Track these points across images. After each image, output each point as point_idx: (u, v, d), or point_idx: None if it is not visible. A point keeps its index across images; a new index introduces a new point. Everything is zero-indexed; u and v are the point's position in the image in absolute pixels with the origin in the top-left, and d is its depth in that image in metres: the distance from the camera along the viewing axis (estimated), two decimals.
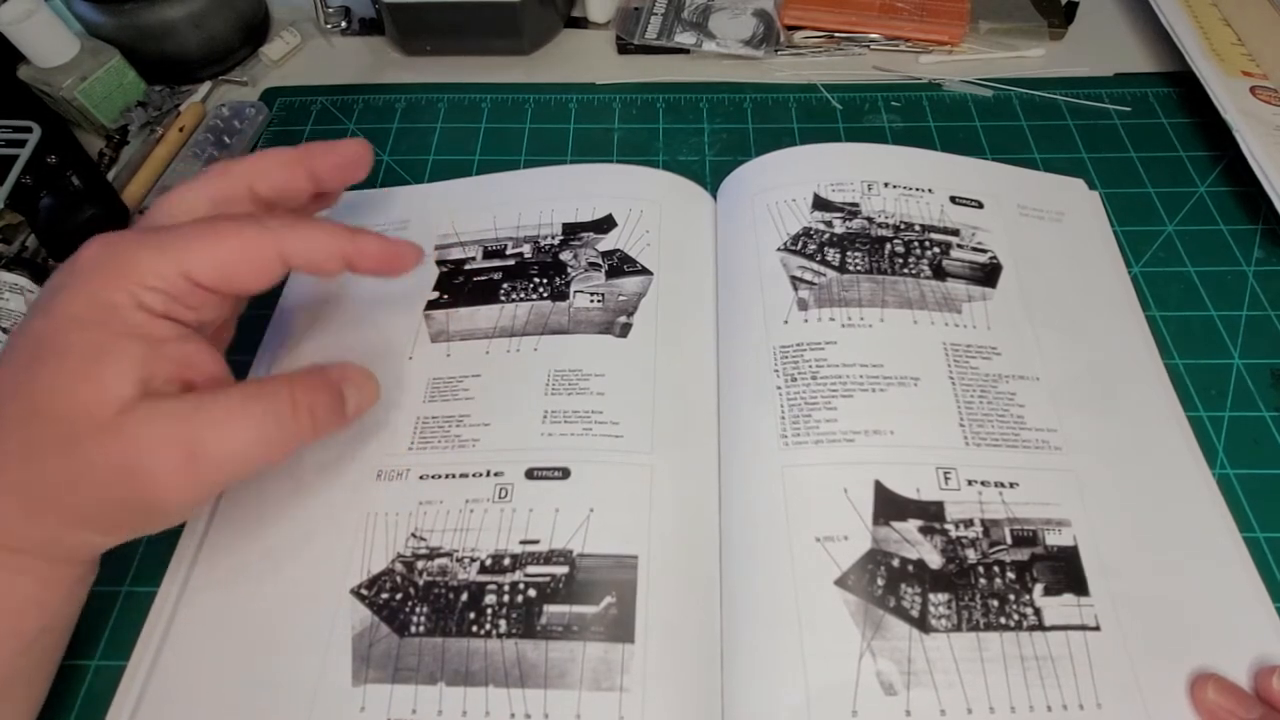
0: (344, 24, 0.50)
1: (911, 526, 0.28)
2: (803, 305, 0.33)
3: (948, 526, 0.28)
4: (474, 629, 0.27)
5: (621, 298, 0.34)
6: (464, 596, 0.28)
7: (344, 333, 0.34)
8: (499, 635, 0.27)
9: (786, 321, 0.33)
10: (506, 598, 0.27)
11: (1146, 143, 0.42)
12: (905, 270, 0.34)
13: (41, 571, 0.23)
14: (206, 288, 0.24)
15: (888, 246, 0.35)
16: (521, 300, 0.35)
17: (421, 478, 0.30)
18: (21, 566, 0.23)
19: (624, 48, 0.48)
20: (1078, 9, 0.47)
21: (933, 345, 0.32)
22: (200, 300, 0.25)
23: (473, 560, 0.28)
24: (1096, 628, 0.27)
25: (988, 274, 0.35)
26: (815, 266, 0.34)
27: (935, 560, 0.28)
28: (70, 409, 0.22)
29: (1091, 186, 0.39)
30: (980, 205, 0.37)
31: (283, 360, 0.34)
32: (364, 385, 0.28)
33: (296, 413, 0.25)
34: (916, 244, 0.35)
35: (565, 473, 0.30)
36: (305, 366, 0.27)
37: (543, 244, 0.36)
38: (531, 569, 0.28)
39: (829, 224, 0.36)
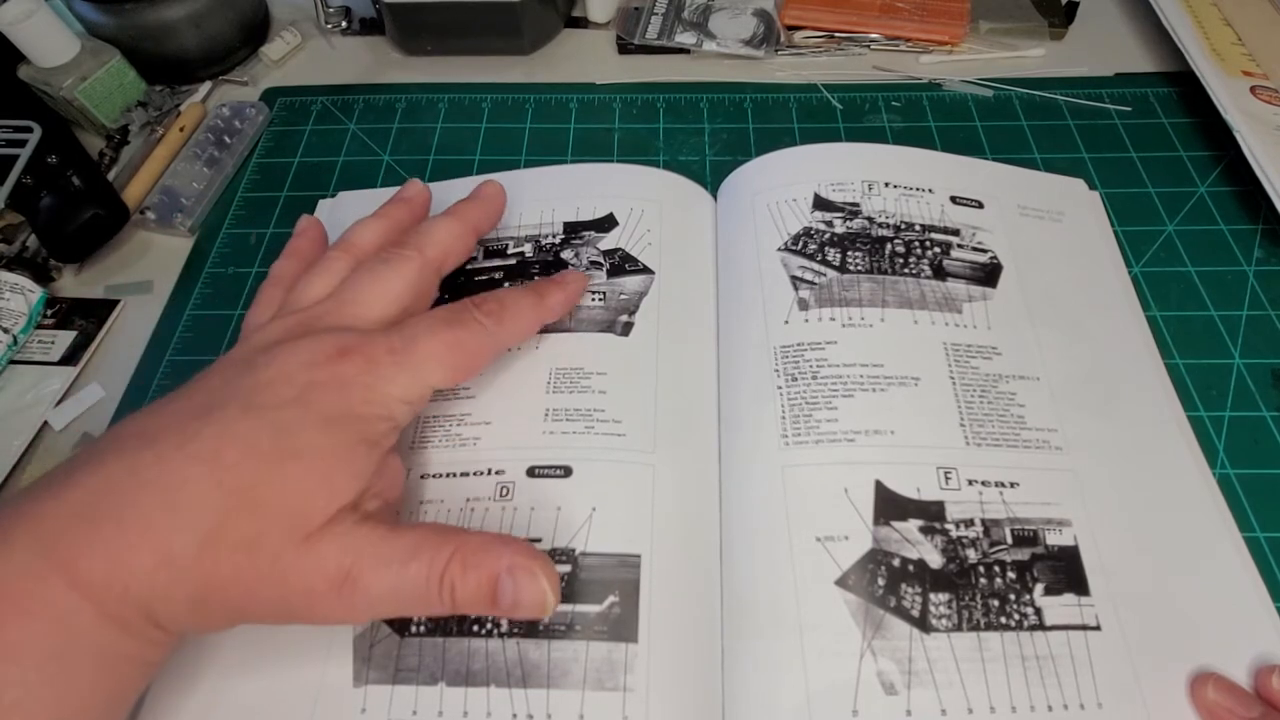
0: (344, 24, 0.50)
1: (912, 526, 0.28)
2: (803, 305, 0.33)
3: (948, 526, 0.28)
4: (475, 628, 0.27)
5: (623, 296, 0.34)
6: None
7: None
8: (500, 635, 0.27)
9: (787, 321, 0.33)
10: None
11: (1147, 143, 0.42)
12: (906, 270, 0.34)
13: (170, 643, 0.23)
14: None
15: (888, 246, 0.35)
16: None
17: (423, 477, 0.30)
18: (158, 640, 0.23)
19: (624, 48, 0.48)
20: (1078, 9, 0.47)
21: (933, 345, 0.32)
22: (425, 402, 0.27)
23: None
24: (1097, 627, 0.27)
25: (988, 274, 0.35)
26: (816, 266, 0.34)
27: (936, 560, 0.28)
28: (297, 510, 0.23)
29: (1092, 186, 0.39)
30: (980, 205, 0.37)
31: None
32: (530, 580, 0.23)
33: (441, 590, 0.23)
34: (917, 244, 0.35)
35: (567, 471, 0.30)
36: (487, 533, 0.25)
37: (544, 243, 0.36)
38: None
39: (829, 224, 0.36)
